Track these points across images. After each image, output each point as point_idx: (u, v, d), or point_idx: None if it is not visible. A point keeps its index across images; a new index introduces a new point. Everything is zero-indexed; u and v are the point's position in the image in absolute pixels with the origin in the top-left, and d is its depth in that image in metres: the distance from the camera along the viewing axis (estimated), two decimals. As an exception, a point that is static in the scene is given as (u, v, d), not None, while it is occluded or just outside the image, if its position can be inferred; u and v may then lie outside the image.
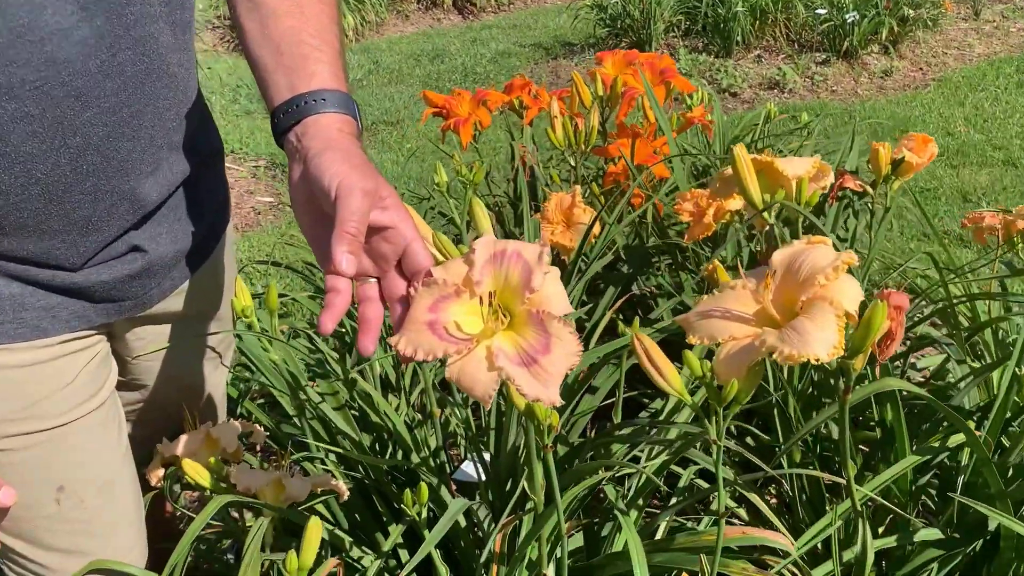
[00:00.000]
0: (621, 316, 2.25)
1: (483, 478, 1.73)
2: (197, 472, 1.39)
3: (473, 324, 1.02)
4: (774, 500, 2.12)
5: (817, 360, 1.11)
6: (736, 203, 2.16)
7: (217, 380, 1.66)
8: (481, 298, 1.02)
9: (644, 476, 1.54)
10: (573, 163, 2.53)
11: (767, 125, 3.25)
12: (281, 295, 2.59)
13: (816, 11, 7.02)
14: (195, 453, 1.47)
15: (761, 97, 6.57)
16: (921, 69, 7.04)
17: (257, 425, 1.60)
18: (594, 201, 2.52)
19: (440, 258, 1.11)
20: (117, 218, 1.24)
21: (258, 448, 1.71)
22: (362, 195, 1.01)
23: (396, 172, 5.38)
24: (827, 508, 2.08)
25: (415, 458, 1.66)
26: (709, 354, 1.26)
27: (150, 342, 1.46)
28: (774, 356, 1.14)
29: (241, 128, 6.29)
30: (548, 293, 1.03)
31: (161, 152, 1.27)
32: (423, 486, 1.30)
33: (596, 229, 2.30)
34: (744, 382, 1.18)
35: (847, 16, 6.81)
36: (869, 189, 2.30)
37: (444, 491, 1.49)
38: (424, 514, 1.33)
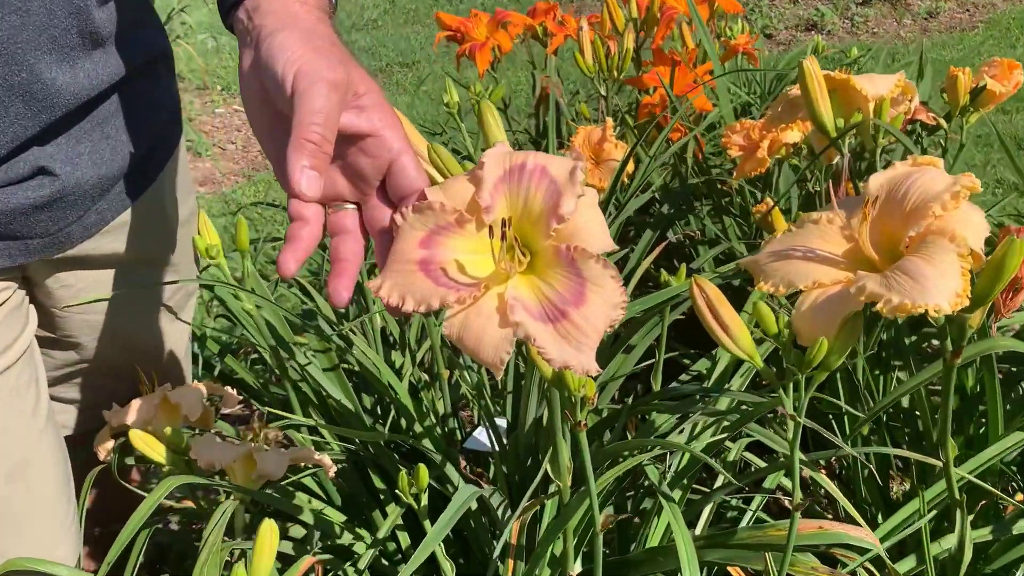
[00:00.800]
0: (654, 267, 1.98)
1: (498, 448, 1.48)
2: (148, 445, 1.15)
3: (480, 264, 0.76)
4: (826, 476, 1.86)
5: (937, 311, 0.85)
6: (794, 134, 1.87)
7: (176, 336, 1.40)
8: (491, 229, 0.75)
9: (689, 455, 1.28)
10: (603, 92, 2.24)
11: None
12: (275, 239, 2.33)
13: (857, -53, 6.59)
14: (150, 422, 1.22)
15: (798, 39, 6.22)
16: (968, 10, 6.65)
17: (229, 388, 1.34)
18: (627, 136, 2.23)
19: (437, 177, 0.85)
20: (9, 122, 0.98)
21: (232, 414, 1.46)
22: (328, 88, 0.75)
23: (410, 116, 5.09)
24: (891, 488, 1.83)
25: (418, 428, 1.41)
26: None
27: (81, 291, 1.20)
28: (879, 307, 0.87)
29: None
30: (582, 223, 0.76)
31: (70, 36, 0.99)
32: (422, 469, 1.05)
33: (629, 167, 2.02)
34: (836, 341, 0.92)
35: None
36: (943, 123, 1.99)
37: (451, 469, 1.24)
38: (424, 500, 1.08)
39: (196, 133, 5.16)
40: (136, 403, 1.24)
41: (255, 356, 2.18)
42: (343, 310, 1.82)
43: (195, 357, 1.73)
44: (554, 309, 0.73)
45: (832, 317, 0.95)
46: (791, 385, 1.00)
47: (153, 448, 1.16)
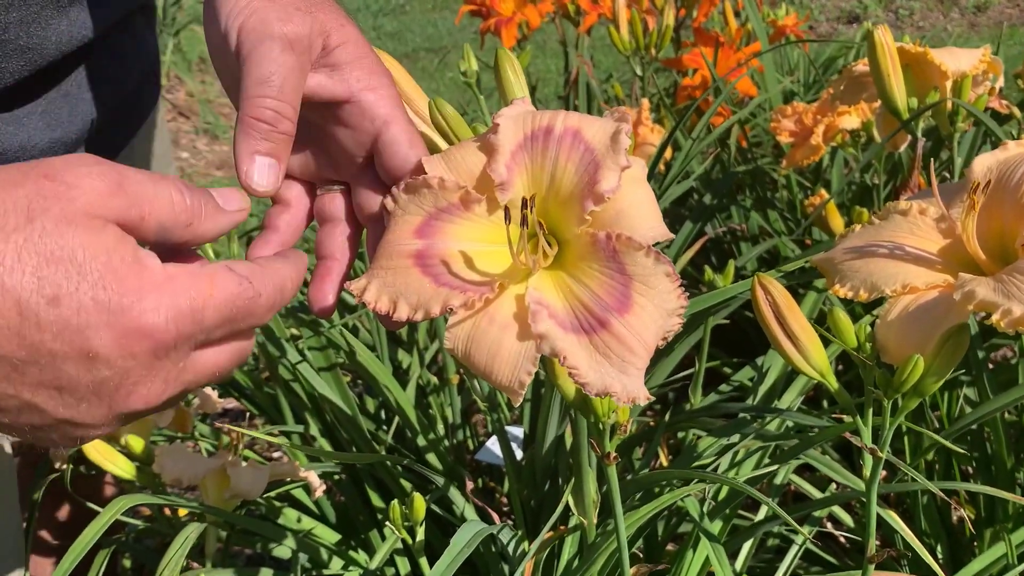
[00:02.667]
0: (690, 265, 1.80)
1: (512, 462, 1.31)
2: (104, 455, 0.99)
3: (494, 258, 0.59)
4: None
5: (1073, 327, 0.67)
6: (852, 119, 1.67)
7: None
8: (508, 212, 0.58)
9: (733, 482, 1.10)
10: (639, 72, 2.05)
11: (862, 49, 2.72)
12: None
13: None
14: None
15: (840, 32, 6.00)
16: (1019, 5, 6.39)
17: (209, 389, 1.18)
18: (665, 121, 2.04)
19: (441, 144, 0.67)
20: None
21: (213, 420, 1.29)
22: (282, 47, 0.58)
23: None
24: (952, 516, 1.64)
25: (421, 440, 1.24)
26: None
27: None
28: (995, 319, 0.69)
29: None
30: (627, 204, 0.59)
31: None
32: (418, 500, 0.87)
33: (667, 154, 1.83)
34: (934, 360, 0.74)
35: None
36: (1016, 111, 1.78)
37: (456, 493, 1.07)
38: (421, 535, 0.91)
39: (214, 115, 5.02)
40: (95, 406, 1.07)
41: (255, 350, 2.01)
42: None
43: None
44: (590, 317, 0.56)
45: (928, 330, 0.77)
46: (870, 411, 0.82)
47: (110, 459, 1.00)
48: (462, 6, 2.35)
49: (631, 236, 0.56)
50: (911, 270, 0.81)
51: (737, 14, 2.49)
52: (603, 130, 0.58)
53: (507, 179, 0.59)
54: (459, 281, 0.58)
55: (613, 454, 0.75)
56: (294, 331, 1.35)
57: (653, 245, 0.57)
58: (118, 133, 1.03)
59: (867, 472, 0.83)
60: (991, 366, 1.67)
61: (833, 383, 0.81)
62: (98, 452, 0.99)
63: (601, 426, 0.74)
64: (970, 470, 1.54)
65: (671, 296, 0.56)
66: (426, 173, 0.60)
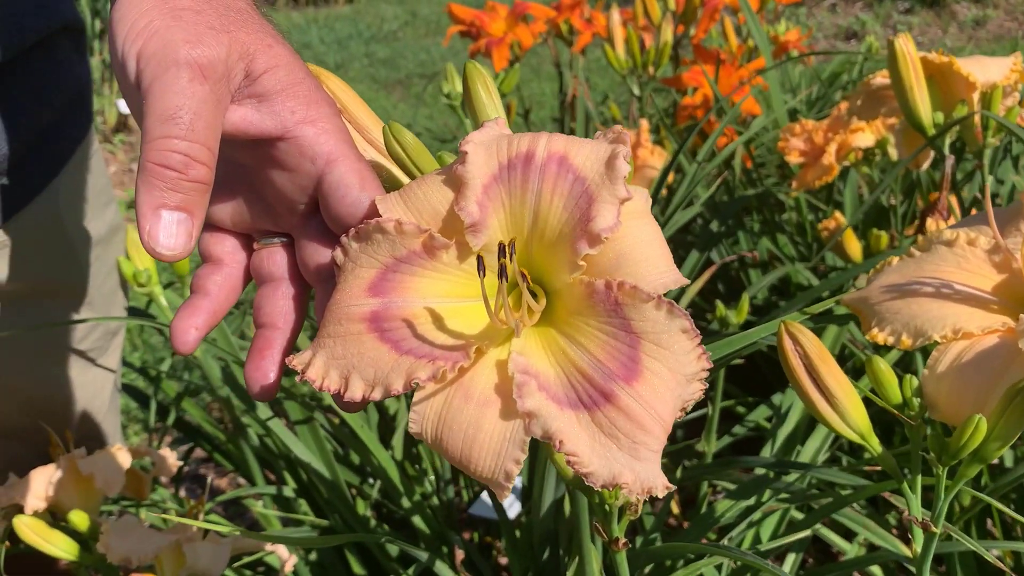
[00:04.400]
0: (699, 295, 1.68)
1: (510, 517, 1.19)
2: (39, 534, 0.87)
3: (467, 316, 0.48)
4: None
5: None
6: (867, 136, 1.57)
7: (94, 387, 1.10)
8: (481, 261, 0.46)
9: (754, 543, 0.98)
10: (636, 92, 1.94)
11: (866, 64, 2.62)
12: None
13: (899, -49, 6.32)
14: (53, 499, 0.94)
15: (838, 48, 5.95)
16: (1017, 19, 6.34)
17: (166, 451, 1.06)
18: (665, 143, 1.93)
19: (403, 180, 0.56)
20: None
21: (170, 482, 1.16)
22: (190, 75, 0.47)
23: (428, 127, 4.84)
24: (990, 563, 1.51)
25: (406, 503, 1.11)
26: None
27: None
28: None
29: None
30: (629, 244, 0.47)
31: None
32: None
33: (669, 178, 1.72)
34: (999, 420, 0.62)
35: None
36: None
37: (442, 566, 0.94)
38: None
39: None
40: (34, 475, 0.95)
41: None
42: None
43: (146, 400, 1.44)
44: (591, 388, 0.44)
45: (988, 383, 0.66)
46: (918, 477, 0.70)
47: (47, 538, 0.87)
48: (451, 27, 2.26)
49: (636, 285, 0.45)
50: (962, 311, 0.69)
51: (738, 31, 2.39)
52: (596, 155, 0.47)
53: (479, 219, 0.47)
54: (426, 347, 0.46)
55: (623, 540, 0.63)
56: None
57: (664, 295, 0.46)
58: (35, 169, 0.91)
59: (917, 547, 0.71)
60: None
61: (876, 446, 0.69)
62: (32, 531, 0.87)
63: (607, 507, 0.62)
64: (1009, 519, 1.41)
65: (689, 358, 0.45)
66: (380, 216, 0.49)
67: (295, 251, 0.55)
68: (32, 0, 0.86)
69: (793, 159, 1.62)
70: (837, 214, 1.58)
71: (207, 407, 1.98)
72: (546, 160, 0.47)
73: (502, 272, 0.46)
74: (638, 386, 0.44)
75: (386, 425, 1.45)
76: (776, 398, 1.34)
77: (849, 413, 0.68)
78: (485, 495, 1.40)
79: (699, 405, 1.34)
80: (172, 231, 0.46)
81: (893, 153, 1.61)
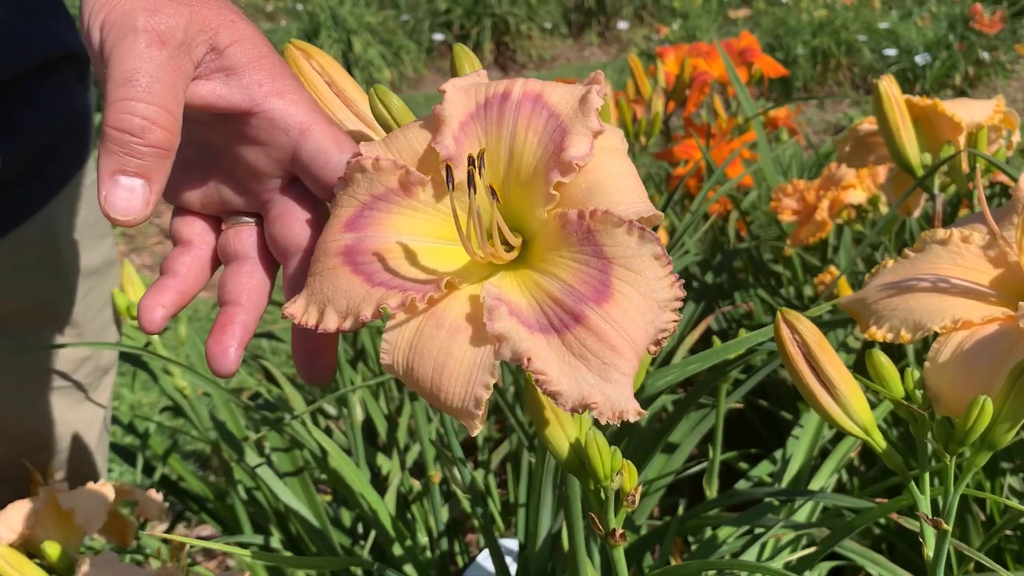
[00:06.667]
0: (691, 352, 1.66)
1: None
2: (16, 567, 0.83)
3: (442, 254, 0.48)
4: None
5: None
6: (858, 194, 1.58)
7: (82, 424, 1.07)
8: (450, 171, 0.47)
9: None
10: (630, 161, 1.97)
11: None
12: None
13: (883, 52, 6.52)
14: (29, 533, 0.90)
15: (828, 143, 6.07)
16: (1009, 75, 6.51)
17: (153, 492, 1.02)
18: (655, 199, 1.95)
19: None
20: None
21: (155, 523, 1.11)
22: (148, 41, 0.47)
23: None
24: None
25: (398, 550, 1.07)
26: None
27: None
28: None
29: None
30: (603, 176, 0.47)
31: None
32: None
33: (663, 239, 1.73)
34: (1005, 402, 0.60)
35: (917, 58, 6.29)
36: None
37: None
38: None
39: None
40: (11, 507, 0.91)
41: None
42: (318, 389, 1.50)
43: (131, 457, 1.40)
44: (561, 311, 0.44)
45: (991, 368, 0.65)
46: (927, 474, 0.67)
47: (20, 570, 0.83)
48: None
49: (608, 210, 0.45)
50: (961, 303, 0.68)
51: (728, 105, 2.45)
52: (570, 93, 0.48)
53: (455, 153, 0.47)
54: (397, 279, 0.46)
55: (620, 531, 0.60)
56: (251, 434, 1.20)
57: (637, 219, 0.45)
58: (31, 191, 0.92)
59: (929, 552, 0.68)
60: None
61: (880, 441, 0.67)
62: (5, 562, 0.83)
63: (603, 494, 0.59)
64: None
65: (662, 283, 0.44)
66: (361, 155, 0.49)
67: (264, 228, 0.55)
68: (36, 25, 0.88)
69: (786, 218, 1.63)
70: (831, 268, 1.58)
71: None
72: (521, 98, 0.48)
73: (470, 182, 0.45)
74: (608, 307, 0.43)
75: (378, 486, 1.41)
76: (777, 454, 1.31)
77: (852, 405, 0.66)
78: (481, 557, 1.35)
79: (698, 460, 1.30)
80: (127, 196, 0.46)
81: (885, 211, 1.62)
